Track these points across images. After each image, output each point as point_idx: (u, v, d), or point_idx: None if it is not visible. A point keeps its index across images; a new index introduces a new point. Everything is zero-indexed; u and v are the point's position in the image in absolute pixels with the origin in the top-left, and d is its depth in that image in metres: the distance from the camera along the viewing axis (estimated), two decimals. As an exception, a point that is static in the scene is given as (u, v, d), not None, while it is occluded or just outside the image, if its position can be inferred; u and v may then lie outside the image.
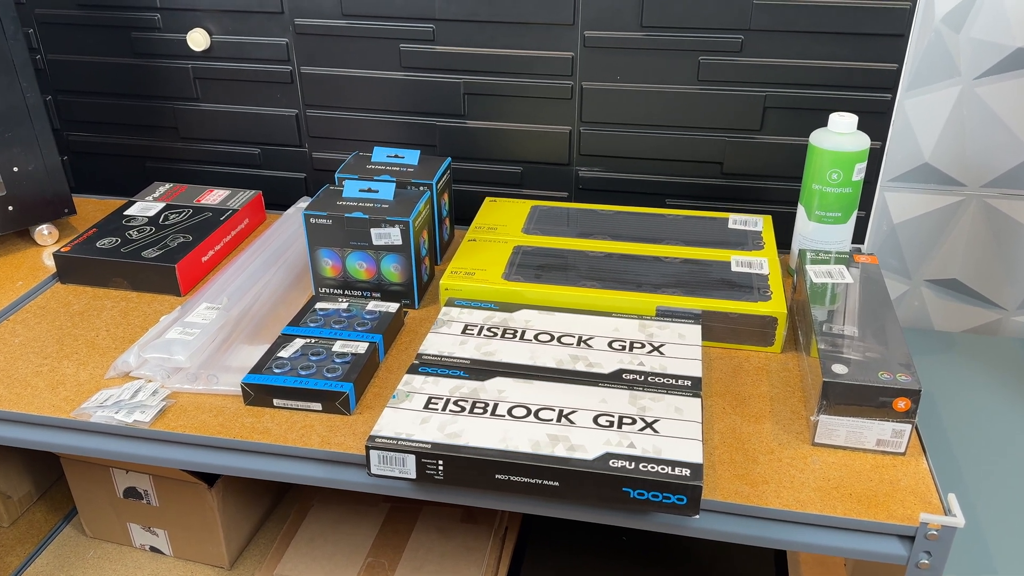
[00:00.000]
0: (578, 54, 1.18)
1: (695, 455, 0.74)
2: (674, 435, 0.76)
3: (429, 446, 0.75)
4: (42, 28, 1.33)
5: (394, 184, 1.06)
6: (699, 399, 0.81)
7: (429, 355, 0.89)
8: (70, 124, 1.40)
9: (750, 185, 1.22)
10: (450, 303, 1.00)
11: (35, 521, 1.20)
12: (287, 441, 0.83)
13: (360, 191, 1.06)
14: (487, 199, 1.22)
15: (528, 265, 1.04)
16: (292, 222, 1.22)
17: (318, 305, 1.02)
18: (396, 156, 1.16)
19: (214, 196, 1.25)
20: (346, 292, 1.07)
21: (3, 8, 1.09)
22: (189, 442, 0.85)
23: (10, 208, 1.17)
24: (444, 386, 0.84)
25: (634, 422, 0.78)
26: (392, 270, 1.04)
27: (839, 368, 0.79)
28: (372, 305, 1.02)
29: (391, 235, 1.02)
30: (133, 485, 1.08)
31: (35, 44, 1.34)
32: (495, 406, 0.81)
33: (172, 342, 0.94)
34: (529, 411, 0.80)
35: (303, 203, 1.28)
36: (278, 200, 1.38)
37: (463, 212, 1.33)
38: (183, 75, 1.31)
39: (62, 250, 1.10)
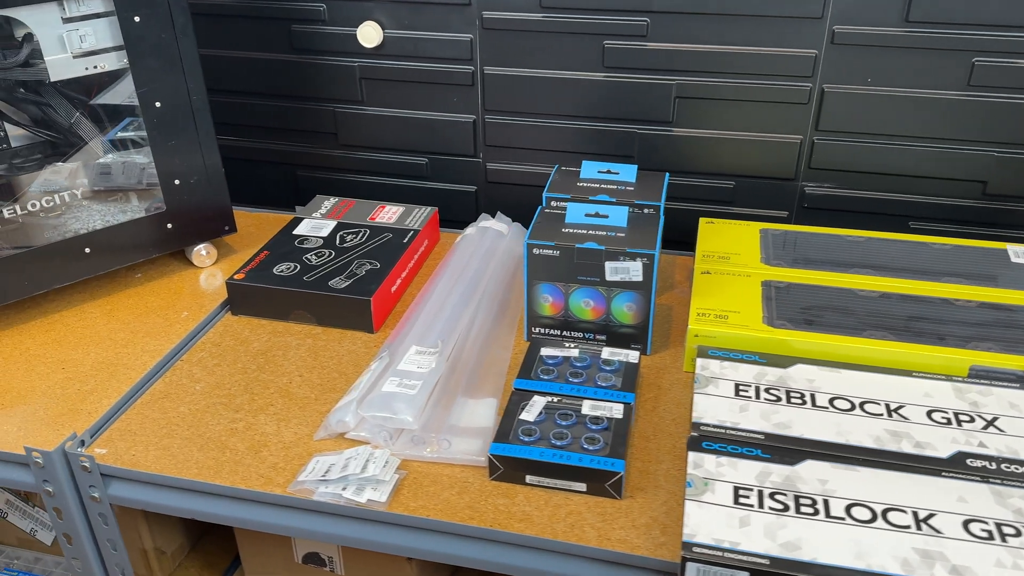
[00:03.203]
0: (822, 52, 1.01)
1: None
2: (1083, 555, 0.60)
3: (767, 562, 0.60)
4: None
5: (627, 208, 0.90)
6: (1087, 500, 0.64)
7: (709, 426, 0.74)
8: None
9: (1020, 209, 1.04)
10: (703, 353, 0.84)
11: (191, 577, 1.07)
12: (555, 533, 0.68)
13: (586, 216, 0.90)
14: (702, 220, 1.05)
15: (790, 305, 0.88)
16: (477, 245, 1.07)
17: (544, 351, 0.87)
18: (609, 171, 1.01)
19: (388, 213, 1.11)
20: (564, 333, 0.91)
21: (172, -1, 0.95)
22: (433, 528, 0.70)
23: (169, 226, 1.03)
24: (746, 471, 0.68)
25: (1019, 533, 0.62)
26: (625, 310, 0.88)
27: None
28: (607, 353, 0.87)
29: (630, 270, 0.86)
30: (316, 550, 0.94)
31: (182, 38, 1.20)
32: (826, 503, 0.65)
33: (393, 397, 0.79)
34: (874, 514, 0.64)
35: (484, 222, 1.12)
36: (444, 215, 1.23)
37: (665, 232, 1.17)
38: (348, 74, 1.17)
39: (236, 277, 0.96)
